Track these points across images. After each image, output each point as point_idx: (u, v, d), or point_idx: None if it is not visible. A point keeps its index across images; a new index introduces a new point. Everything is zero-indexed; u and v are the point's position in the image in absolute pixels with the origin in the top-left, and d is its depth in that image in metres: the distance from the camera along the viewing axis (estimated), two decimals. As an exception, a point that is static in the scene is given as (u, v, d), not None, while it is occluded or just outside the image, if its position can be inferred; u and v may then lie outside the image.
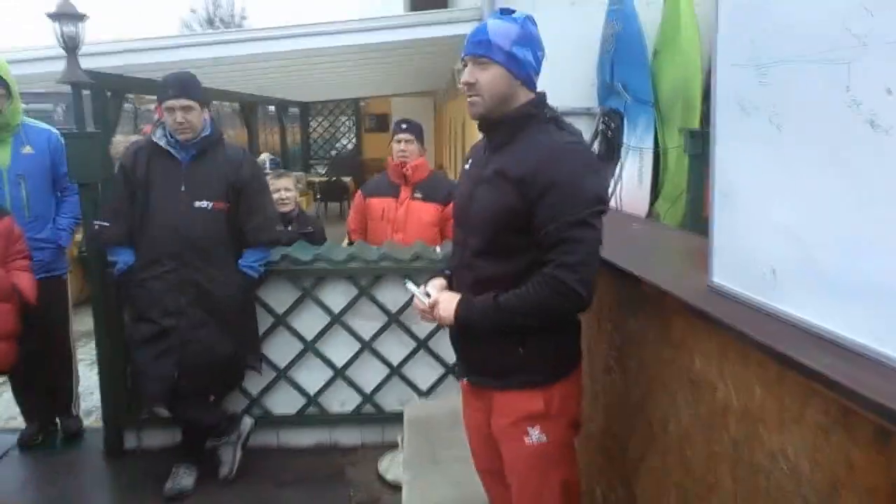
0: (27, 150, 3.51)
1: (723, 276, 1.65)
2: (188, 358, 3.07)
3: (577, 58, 4.78)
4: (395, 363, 3.59)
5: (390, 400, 3.62)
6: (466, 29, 4.72)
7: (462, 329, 1.90)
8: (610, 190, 4.71)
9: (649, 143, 4.62)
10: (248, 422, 3.47)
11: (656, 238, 2.83)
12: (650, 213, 4.60)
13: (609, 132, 4.81)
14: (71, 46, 4.06)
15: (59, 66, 4.61)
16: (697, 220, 3.79)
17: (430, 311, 1.92)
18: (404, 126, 3.82)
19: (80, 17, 4.06)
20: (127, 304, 3.25)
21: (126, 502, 3.33)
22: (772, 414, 1.36)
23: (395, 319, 3.54)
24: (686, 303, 1.64)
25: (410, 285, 2.01)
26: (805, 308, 1.35)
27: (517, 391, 1.85)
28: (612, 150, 4.82)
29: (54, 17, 4.03)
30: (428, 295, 1.94)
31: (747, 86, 1.47)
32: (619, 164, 4.77)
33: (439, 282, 2.02)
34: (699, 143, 3.77)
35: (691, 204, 4.02)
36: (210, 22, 25.88)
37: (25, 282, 2.77)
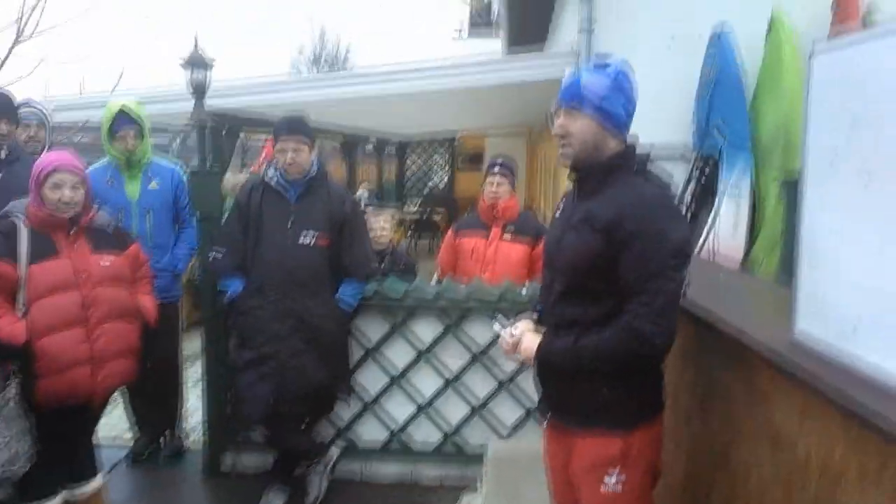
0: (154, 185, 3.85)
1: (807, 327, 1.64)
2: (285, 384, 3.25)
3: (675, 96, 4.77)
4: (479, 400, 3.66)
5: (472, 438, 3.67)
6: (562, 71, 4.81)
7: (542, 368, 1.98)
8: (703, 237, 4.64)
9: (745, 189, 4.54)
10: (334, 451, 3.63)
11: (744, 288, 2.80)
12: (746, 262, 4.49)
13: (703, 178, 4.76)
14: (199, 91, 4.41)
15: (178, 105, 5.02)
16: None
17: (514, 349, 2.01)
18: (498, 167, 3.91)
19: (208, 65, 4.43)
20: (233, 330, 3.49)
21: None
22: (851, 473, 1.35)
23: (480, 357, 3.62)
24: (769, 355, 1.65)
25: (498, 323, 2.11)
26: (889, 361, 1.34)
27: (597, 434, 1.89)
28: (706, 196, 4.76)
29: (186, 65, 4.40)
30: (513, 335, 2.03)
31: (837, 140, 1.50)
32: (714, 210, 4.70)
33: (526, 321, 2.11)
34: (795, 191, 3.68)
35: (787, 254, 3.91)
36: (316, 61, 27.11)
37: (148, 304, 3.03)
